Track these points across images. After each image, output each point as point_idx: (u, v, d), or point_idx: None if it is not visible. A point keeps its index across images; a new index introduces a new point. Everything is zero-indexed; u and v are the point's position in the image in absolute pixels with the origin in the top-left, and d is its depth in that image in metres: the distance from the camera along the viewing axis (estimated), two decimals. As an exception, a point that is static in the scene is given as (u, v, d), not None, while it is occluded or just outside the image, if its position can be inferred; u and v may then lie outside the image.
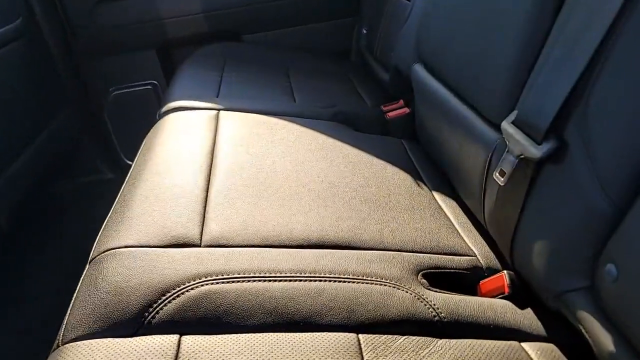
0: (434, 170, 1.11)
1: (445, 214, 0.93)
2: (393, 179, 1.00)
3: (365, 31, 1.76)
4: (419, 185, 1.01)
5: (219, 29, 1.91)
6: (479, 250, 0.84)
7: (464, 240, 0.86)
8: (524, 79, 0.75)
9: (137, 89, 1.94)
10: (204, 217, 0.80)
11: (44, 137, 1.64)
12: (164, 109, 1.28)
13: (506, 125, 0.74)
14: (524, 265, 0.74)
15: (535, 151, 0.66)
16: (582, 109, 0.62)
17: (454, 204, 0.98)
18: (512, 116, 0.74)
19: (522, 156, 0.69)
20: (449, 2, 1.04)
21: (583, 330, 0.62)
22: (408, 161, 1.13)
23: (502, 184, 0.74)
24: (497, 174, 0.75)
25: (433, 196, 0.99)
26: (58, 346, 0.61)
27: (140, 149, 1.09)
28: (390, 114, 1.32)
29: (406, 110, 1.29)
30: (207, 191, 0.87)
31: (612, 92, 0.60)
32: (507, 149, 0.73)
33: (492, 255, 0.84)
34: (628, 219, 0.56)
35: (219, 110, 1.23)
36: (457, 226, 0.90)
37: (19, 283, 1.48)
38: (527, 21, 0.75)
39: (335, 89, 1.59)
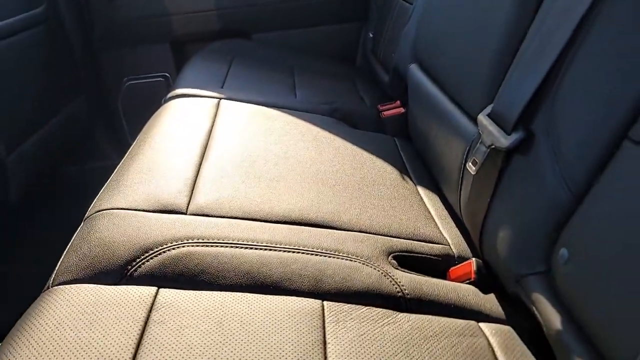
0: (422, 167, 1.14)
1: (426, 205, 0.97)
2: (379, 171, 1.04)
3: (371, 35, 1.81)
4: (404, 178, 1.05)
5: (230, 27, 1.98)
6: (452, 240, 0.88)
7: (439, 230, 0.90)
8: (502, 75, 0.79)
9: (150, 80, 2.00)
10: (193, 189, 0.85)
11: (57, 121, 1.69)
12: (169, 95, 1.34)
13: (482, 117, 0.78)
14: (490, 252, 0.78)
15: (504, 141, 0.70)
16: (550, 102, 0.66)
17: (435, 197, 1.02)
18: (488, 109, 0.78)
19: (492, 146, 0.73)
20: (446, 2, 1.09)
21: (536, 312, 0.65)
22: (397, 157, 1.17)
23: (473, 173, 0.78)
24: (470, 164, 0.79)
25: (417, 190, 1.03)
26: (48, 287, 0.67)
27: (143, 129, 1.14)
28: (386, 112, 1.36)
29: (401, 110, 1.33)
30: (198, 168, 0.92)
31: (576, 88, 0.63)
32: (480, 140, 0.77)
33: (465, 245, 0.87)
34: (583, 207, 0.59)
35: (220, 99, 1.28)
36: (435, 217, 0.94)
37: (20, 245, 1.55)
38: (507, 20, 0.80)
39: (336, 88, 1.64)
